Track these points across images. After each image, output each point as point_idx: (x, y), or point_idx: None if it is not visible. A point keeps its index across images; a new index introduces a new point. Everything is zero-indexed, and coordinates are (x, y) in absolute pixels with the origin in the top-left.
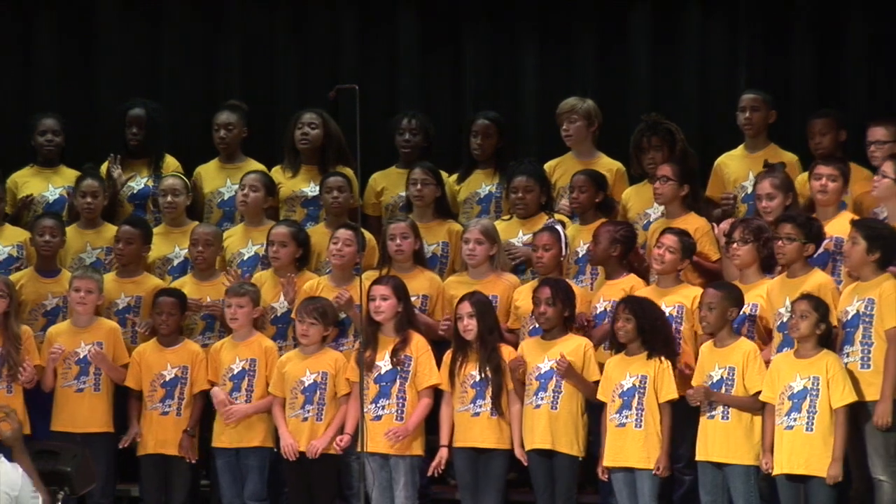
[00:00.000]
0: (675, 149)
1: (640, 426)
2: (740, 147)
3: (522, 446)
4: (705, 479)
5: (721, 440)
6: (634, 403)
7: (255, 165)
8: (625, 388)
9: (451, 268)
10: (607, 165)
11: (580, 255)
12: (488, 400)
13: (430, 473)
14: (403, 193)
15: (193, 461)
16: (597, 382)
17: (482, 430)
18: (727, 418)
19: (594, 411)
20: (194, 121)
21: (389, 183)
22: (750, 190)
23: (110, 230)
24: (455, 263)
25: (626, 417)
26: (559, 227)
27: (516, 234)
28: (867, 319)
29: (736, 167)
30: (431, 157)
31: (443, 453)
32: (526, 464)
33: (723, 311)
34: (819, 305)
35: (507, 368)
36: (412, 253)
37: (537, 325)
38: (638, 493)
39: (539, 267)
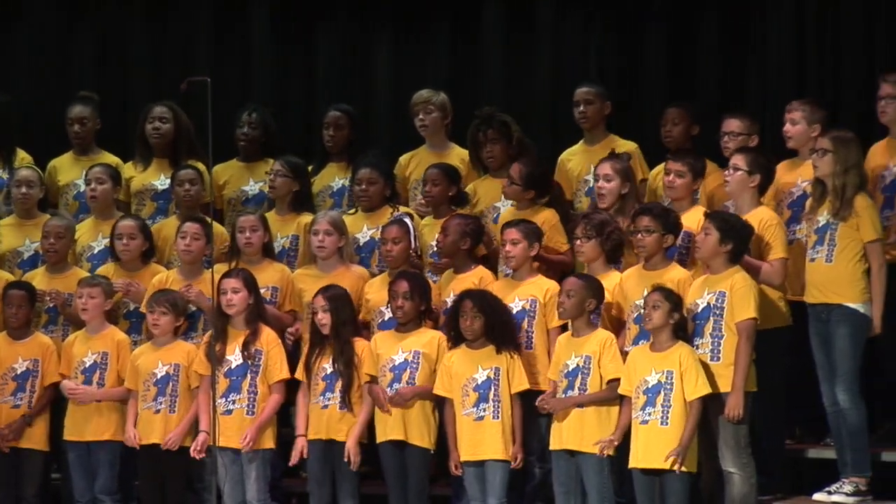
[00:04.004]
0: (511, 140)
1: (498, 417)
2: (580, 142)
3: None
4: (559, 471)
5: (575, 428)
6: (491, 395)
7: (110, 158)
8: (479, 382)
9: (301, 260)
10: (460, 156)
11: (434, 250)
12: (337, 393)
13: (291, 464)
14: (245, 187)
15: (7, 442)
16: None
17: (331, 423)
18: (581, 406)
19: (439, 406)
20: (47, 112)
21: (231, 176)
22: (592, 183)
23: None
24: (305, 256)
25: (484, 410)
26: (408, 220)
27: (361, 228)
28: (718, 312)
29: (577, 162)
30: (285, 150)
31: (299, 443)
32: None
33: (581, 300)
34: (670, 295)
35: (359, 363)
36: (261, 246)
37: (390, 318)
38: (488, 485)
39: (389, 260)
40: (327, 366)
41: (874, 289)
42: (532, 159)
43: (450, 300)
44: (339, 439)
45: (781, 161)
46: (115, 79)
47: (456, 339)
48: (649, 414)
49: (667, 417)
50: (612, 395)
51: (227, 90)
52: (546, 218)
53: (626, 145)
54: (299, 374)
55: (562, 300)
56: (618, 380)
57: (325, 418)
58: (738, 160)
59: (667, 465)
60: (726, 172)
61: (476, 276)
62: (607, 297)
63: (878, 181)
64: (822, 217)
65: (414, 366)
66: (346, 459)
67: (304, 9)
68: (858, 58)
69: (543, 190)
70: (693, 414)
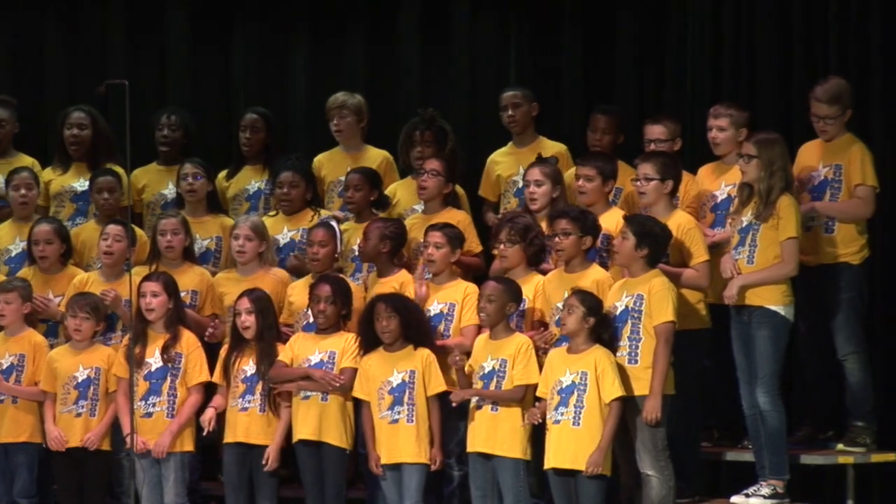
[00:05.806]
0: (444, 148)
1: (413, 421)
2: (509, 144)
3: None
4: (475, 473)
5: (489, 432)
6: (405, 399)
7: (27, 160)
8: (394, 385)
9: (224, 262)
10: (375, 157)
11: (356, 254)
12: (258, 395)
13: (205, 433)
14: (164, 191)
15: None
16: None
17: (250, 426)
18: (496, 410)
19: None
20: None
21: (150, 180)
22: (521, 184)
23: None
24: (227, 259)
25: (399, 413)
26: (334, 224)
27: (281, 231)
28: (636, 315)
29: (506, 164)
30: (202, 153)
31: (208, 413)
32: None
33: (502, 305)
34: (586, 299)
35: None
36: (182, 249)
37: (312, 321)
38: (404, 488)
39: (314, 264)
40: (247, 368)
41: (764, 272)
42: (444, 153)
43: None
44: (257, 443)
45: (701, 164)
46: (30, 80)
47: (368, 343)
48: (562, 414)
49: (579, 418)
50: (515, 396)
51: (143, 93)
52: (460, 219)
53: (554, 147)
54: (217, 377)
55: (483, 305)
56: (527, 386)
57: (245, 422)
58: (648, 169)
59: (583, 468)
60: (638, 183)
61: (398, 281)
62: (530, 301)
63: (806, 181)
64: (746, 218)
65: (329, 366)
66: (264, 462)
67: (221, 11)
68: (773, 57)
69: (454, 190)
70: (612, 416)
